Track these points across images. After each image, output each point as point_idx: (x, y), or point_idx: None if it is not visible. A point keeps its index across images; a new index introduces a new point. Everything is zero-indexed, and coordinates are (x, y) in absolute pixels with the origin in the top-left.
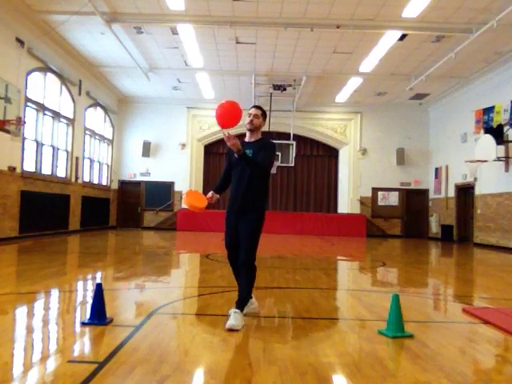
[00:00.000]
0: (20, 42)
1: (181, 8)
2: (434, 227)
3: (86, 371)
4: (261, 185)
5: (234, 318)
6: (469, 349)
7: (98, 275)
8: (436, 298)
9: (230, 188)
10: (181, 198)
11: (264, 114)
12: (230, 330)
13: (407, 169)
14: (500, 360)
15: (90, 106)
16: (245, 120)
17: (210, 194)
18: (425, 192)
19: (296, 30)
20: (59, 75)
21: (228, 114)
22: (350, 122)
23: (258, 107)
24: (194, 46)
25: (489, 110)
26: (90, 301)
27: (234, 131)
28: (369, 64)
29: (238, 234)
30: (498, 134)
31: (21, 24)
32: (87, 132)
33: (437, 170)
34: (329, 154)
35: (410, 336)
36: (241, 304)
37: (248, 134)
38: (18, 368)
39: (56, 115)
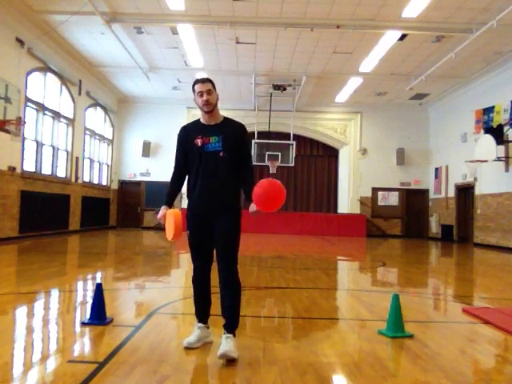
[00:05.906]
0: (20, 41)
1: (181, 8)
2: (434, 227)
3: (85, 371)
4: (237, 179)
5: (227, 344)
6: (469, 349)
7: (98, 275)
8: (436, 298)
9: (192, 187)
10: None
11: (213, 84)
12: (224, 356)
13: (407, 169)
14: (500, 360)
15: (90, 105)
16: (196, 100)
17: (162, 213)
18: (425, 192)
19: (296, 30)
20: (59, 75)
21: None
22: (350, 122)
23: (205, 80)
24: (193, 45)
25: (489, 110)
26: (89, 301)
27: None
28: (369, 64)
29: (211, 241)
30: (498, 133)
31: (21, 24)
32: (87, 132)
33: (437, 169)
34: (329, 154)
35: (410, 336)
36: (233, 326)
37: (206, 116)
38: (18, 368)
39: (56, 115)
